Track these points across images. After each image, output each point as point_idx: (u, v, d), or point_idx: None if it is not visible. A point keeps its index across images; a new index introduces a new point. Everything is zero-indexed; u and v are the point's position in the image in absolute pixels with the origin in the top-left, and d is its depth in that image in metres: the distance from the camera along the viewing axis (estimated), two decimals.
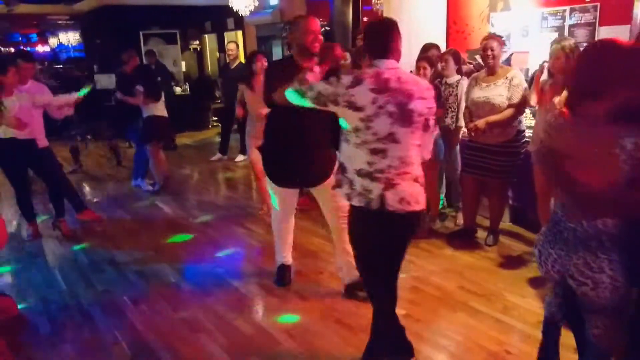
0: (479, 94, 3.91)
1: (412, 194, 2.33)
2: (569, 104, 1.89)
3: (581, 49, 2.78)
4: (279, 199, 3.46)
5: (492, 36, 4.11)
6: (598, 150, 1.73)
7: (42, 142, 4.66)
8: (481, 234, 4.35)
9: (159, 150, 6.27)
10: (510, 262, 3.90)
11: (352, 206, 2.41)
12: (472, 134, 3.91)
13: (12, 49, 17.30)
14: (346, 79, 2.24)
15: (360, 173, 2.31)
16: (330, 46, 2.80)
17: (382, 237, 2.40)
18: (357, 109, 2.22)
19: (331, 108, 2.32)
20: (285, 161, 3.25)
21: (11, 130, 4.32)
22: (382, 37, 2.35)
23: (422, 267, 3.81)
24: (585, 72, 1.83)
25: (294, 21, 3.13)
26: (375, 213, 2.31)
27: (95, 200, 6.04)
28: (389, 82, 2.23)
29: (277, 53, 9.16)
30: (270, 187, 3.43)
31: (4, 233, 1.55)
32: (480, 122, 3.80)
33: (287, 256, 3.73)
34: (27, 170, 4.73)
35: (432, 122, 2.44)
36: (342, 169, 2.42)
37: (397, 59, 2.36)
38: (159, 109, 6.09)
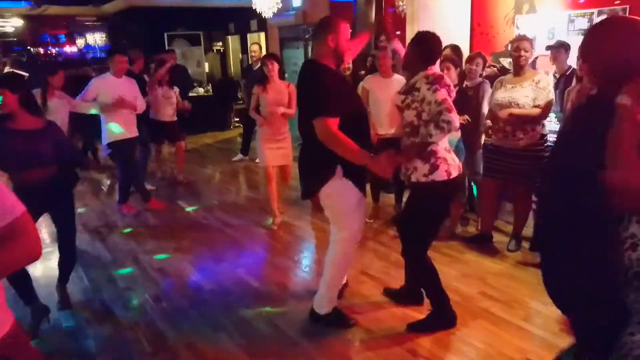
0: (503, 95, 3.86)
1: None
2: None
3: None
4: (360, 214, 3.00)
5: (524, 37, 4.03)
6: None
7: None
8: (504, 239, 4.29)
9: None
10: (533, 268, 3.83)
11: (440, 183, 2.82)
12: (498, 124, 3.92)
13: (41, 49, 17.72)
14: (446, 79, 2.84)
15: (447, 149, 2.90)
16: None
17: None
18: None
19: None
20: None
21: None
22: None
23: (443, 272, 3.73)
24: None
25: (333, 23, 2.83)
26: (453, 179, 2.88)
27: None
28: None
29: (292, 56, 8.97)
30: (353, 205, 2.91)
31: (37, 244, 1.45)
32: (504, 112, 3.78)
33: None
34: None
35: None
36: (432, 153, 2.81)
37: None
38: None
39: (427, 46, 2.88)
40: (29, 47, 16.58)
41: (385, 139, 4.48)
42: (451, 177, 2.84)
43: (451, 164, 2.86)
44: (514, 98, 3.77)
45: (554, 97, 3.81)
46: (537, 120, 3.78)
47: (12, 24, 13.79)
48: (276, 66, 4.77)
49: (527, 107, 3.75)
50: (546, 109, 3.77)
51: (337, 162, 2.77)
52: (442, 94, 2.70)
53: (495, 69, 5.08)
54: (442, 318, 3.04)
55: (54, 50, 17.75)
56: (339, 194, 2.86)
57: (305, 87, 2.86)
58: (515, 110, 3.75)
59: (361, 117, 2.94)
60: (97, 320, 3.33)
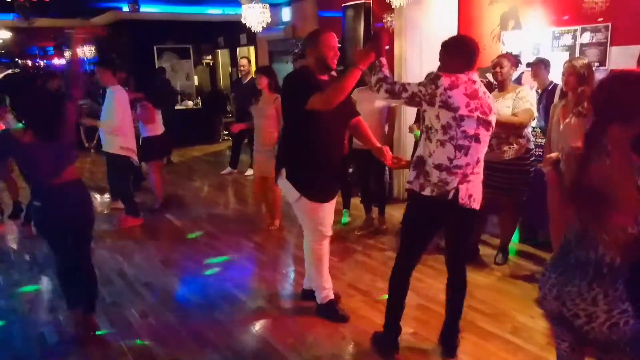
0: None
1: (478, 192, 2.66)
2: (593, 129, 1.71)
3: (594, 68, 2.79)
4: (328, 218, 3.24)
5: (503, 55, 4.13)
6: (621, 181, 1.58)
7: None
8: (490, 252, 4.32)
9: (160, 169, 6.21)
10: (520, 281, 3.86)
11: (416, 195, 2.65)
12: None
13: (29, 62, 17.64)
14: (445, 82, 2.46)
15: (439, 167, 2.55)
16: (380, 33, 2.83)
17: (435, 224, 2.80)
18: (452, 109, 2.46)
19: (424, 107, 2.55)
20: (331, 172, 3.18)
21: None
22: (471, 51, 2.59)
23: (430, 285, 3.79)
24: (620, 94, 1.66)
25: (313, 35, 3.08)
26: (442, 203, 2.59)
27: (105, 212, 6.07)
28: (478, 91, 2.53)
29: (281, 69, 8.95)
30: (309, 210, 3.14)
31: None
32: None
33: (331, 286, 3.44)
34: None
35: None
36: (421, 162, 2.63)
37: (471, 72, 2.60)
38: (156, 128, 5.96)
39: (457, 51, 2.60)
40: (16, 60, 16.50)
41: (360, 149, 4.39)
42: (423, 193, 2.61)
43: (431, 181, 2.58)
44: (496, 110, 3.82)
45: (533, 108, 3.86)
46: (517, 129, 3.81)
47: (0, 36, 13.71)
48: (264, 80, 4.90)
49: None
50: (524, 118, 3.79)
51: (283, 165, 3.12)
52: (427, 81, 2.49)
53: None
54: (381, 342, 2.94)
55: (42, 63, 17.69)
56: (287, 191, 3.16)
57: (284, 87, 3.12)
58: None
59: (336, 119, 3.04)
60: (82, 335, 3.27)
